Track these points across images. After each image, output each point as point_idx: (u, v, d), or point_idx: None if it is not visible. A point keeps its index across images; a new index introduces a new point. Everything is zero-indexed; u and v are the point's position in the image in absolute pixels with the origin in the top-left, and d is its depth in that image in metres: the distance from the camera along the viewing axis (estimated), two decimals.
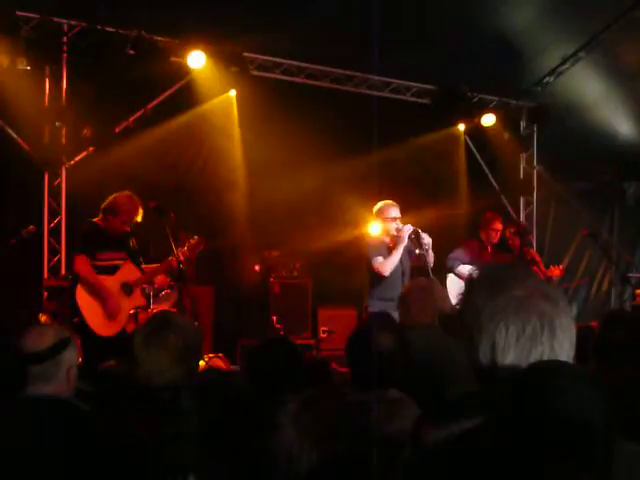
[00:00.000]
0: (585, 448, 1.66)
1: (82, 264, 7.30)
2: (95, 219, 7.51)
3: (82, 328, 7.07)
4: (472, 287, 2.08)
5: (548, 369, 1.80)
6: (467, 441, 1.90)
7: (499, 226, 9.59)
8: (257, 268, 10.32)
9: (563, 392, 1.69)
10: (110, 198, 7.50)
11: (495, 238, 9.56)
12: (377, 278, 8.18)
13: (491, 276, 2.10)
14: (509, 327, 1.91)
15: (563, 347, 1.94)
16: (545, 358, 1.91)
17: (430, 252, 8.07)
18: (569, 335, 1.96)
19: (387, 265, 8.12)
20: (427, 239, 8.08)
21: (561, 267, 10.17)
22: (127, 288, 7.44)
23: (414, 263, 8.41)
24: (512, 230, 9.89)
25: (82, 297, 7.24)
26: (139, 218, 7.54)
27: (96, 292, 7.27)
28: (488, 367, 1.94)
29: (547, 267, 9.87)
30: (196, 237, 7.68)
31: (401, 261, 8.30)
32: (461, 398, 2.12)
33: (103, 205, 7.51)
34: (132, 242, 7.63)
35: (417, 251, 8.11)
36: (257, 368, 3.85)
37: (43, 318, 8.04)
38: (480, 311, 1.97)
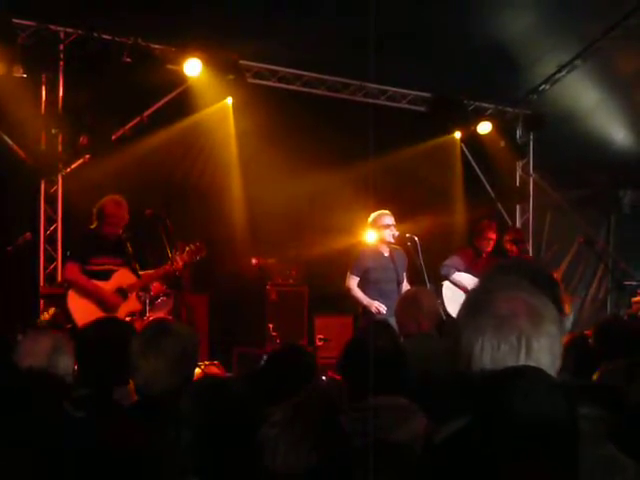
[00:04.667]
0: (549, 449, 1.68)
1: (71, 271, 7.32)
2: (90, 226, 7.53)
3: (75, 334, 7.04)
4: (462, 303, 2.10)
5: (512, 372, 1.82)
6: (450, 442, 1.92)
7: (492, 235, 9.59)
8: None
9: (526, 394, 1.71)
10: (98, 205, 7.54)
11: (488, 247, 9.57)
12: (370, 286, 8.29)
13: (475, 296, 2.12)
14: (485, 344, 1.93)
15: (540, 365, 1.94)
16: None
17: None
18: (546, 357, 1.96)
19: (352, 293, 8.41)
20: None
21: (555, 274, 10.18)
22: (122, 293, 7.44)
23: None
24: (509, 237, 9.90)
25: (74, 302, 7.23)
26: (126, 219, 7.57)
27: (90, 294, 7.27)
28: (464, 378, 1.96)
29: None
30: (197, 243, 7.68)
31: (397, 271, 8.37)
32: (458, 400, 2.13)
33: (94, 212, 7.55)
34: (128, 248, 7.64)
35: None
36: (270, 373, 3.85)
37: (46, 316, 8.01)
38: (462, 325, 2.00)
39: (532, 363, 1.92)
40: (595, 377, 3.92)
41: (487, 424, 1.71)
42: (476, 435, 1.74)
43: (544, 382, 1.75)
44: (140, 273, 7.62)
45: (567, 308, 9.78)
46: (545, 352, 1.94)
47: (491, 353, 1.92)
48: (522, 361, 1.91)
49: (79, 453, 2.79)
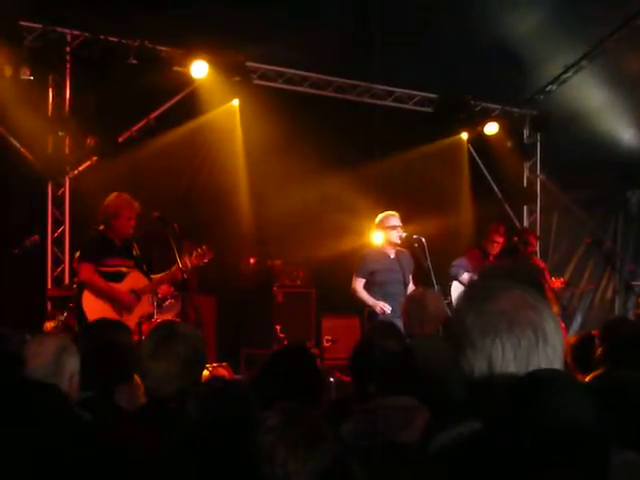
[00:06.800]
0: (580, 455, 1.66)
1: (87, 272, 7.31)
2: (100, 227, 7.54)
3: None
4: (458, 303, 2.10)
5: (543, 377, 1.81)
6: (467, 445, 1.91)
7: (499, 238, 9.59)
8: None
9: (557, 399, 1.70)
10: (102, 207, 7.53)
11: (494, 249, 9.57)
12: (375, 288, 8.30)
13: (475, 291, 2.12)
14: (505, 344, 1.93)
15: (556, 352, 1.96)
16: (542, 366, 1.93)
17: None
18: (559, 340, 1.99)
19: (357, 294, 8.43)
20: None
21: (562, 279, 10.17)
22: (135, 295, 7.44)
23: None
24: (517, 238, 9.89)
25: (89, 303, 7.23)
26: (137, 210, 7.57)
27: (106, 295, 7.27)
28: (485, 380, 1.94)
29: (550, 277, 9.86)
30: (204, 247, 7.67)
31: (402, 272, 8.36)
32: (462, 403, 2.12)
33: (100, 216, 7.54)
34: (135, 250, 7.64)
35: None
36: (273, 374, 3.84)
37: (50, 325, 8.00)
38: (468, 327, 1.98)
39: (550, 349, 1.94)
40: (594, 376, 3.92)
41: (512, 429, 1.70)
42: (496, 440, 1.73)
43: (573, 386, 1.75)
44: (151, 276, 7.64)
45: (555, 309, 9.74)
46: (554, 334, 1.97)
47: (514, 352, 1.92)
48: (542, 350, 1.93)
49: (84, 454, 2.80)
